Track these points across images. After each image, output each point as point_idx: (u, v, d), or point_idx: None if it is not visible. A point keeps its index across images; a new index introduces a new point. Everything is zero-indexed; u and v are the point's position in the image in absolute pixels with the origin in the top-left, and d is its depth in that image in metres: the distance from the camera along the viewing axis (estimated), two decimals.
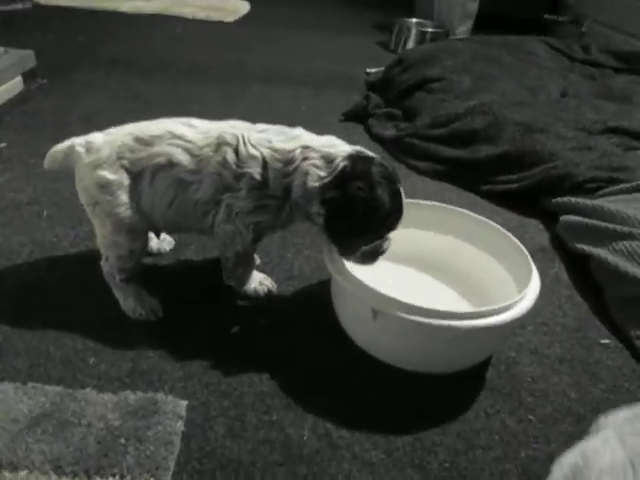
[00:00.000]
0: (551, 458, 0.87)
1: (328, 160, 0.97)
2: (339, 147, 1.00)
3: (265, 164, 0.98)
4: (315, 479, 0.81)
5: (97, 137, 1.02)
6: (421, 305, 0.88)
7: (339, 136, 1.04)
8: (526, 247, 1.07)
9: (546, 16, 3.64)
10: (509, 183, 1.60)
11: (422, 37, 2.98)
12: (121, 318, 1.07)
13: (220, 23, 3.28)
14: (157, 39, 2.87)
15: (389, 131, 1.88)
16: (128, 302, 1.07)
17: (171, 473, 0.79)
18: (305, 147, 0.98)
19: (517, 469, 0.86)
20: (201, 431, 0.87)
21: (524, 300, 0.94)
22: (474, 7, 3.34)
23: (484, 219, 1.17)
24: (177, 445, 0.83)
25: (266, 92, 2.27)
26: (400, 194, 0.98)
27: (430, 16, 3.25)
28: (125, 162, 0.99)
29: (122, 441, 0.82)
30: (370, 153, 1.00)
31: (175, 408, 0.88)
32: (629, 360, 1.10)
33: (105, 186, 0.99)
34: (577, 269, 1.34)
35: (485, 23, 3.37)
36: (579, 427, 0.94)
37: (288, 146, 0.99)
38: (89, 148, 1.01)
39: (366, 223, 0.96)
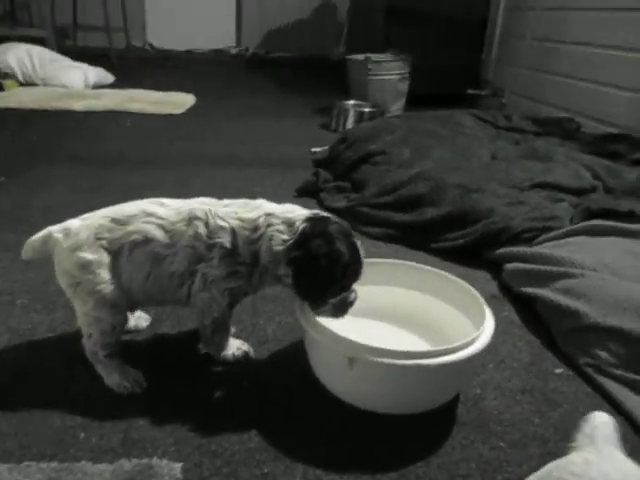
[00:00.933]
0: (523, 478, 0.96)
1: (289, 224, 1.07)
2: (298, 211, 1.11)
3: (234, 233, 1.07)
4: None
5: (74, 222, 1.10)
6: (394, 349, 0.97)
7: None
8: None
9: (469, 91, 4.00)
10: (455, 240, 1.75)
11: (360, 117, 3.23)
12: (105, 393, 1.10)
13: (169, 115, 3.45)
14: (110, 134, 3.00)
15: (340, 202, 2.02)
16: (112, 377, 1.11)
17: None
18: (268, 214, 1.09)
19: None
20: None
21: (482, 336, 1.04)
22: (404, 87, 3.66)
23: (442, 272, 1.29)
24: None
25: (219, 175, 2.39)
26: (356, 246, 1.09)
27: (365, 98, 3.52)
28: (104, 242, 1.07)
29: None
30: (325, 214, 1.12)
31: (171, 471, 0.92)
32: (582, 385, 1.20)
33: (86, 266, 1.06)
34: (525, 310, 1.46)
35: (415, 100, 3.69)
36: (545, 449, 1.03)
37: (252, 215, 1.09)
38: (67, 233, 1.08)
39: (330, 275, 1.05)
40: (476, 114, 2.83)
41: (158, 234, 1.07)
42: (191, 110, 3.67)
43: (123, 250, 1.07)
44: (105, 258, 1.06)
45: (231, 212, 1.10)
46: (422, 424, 1.06)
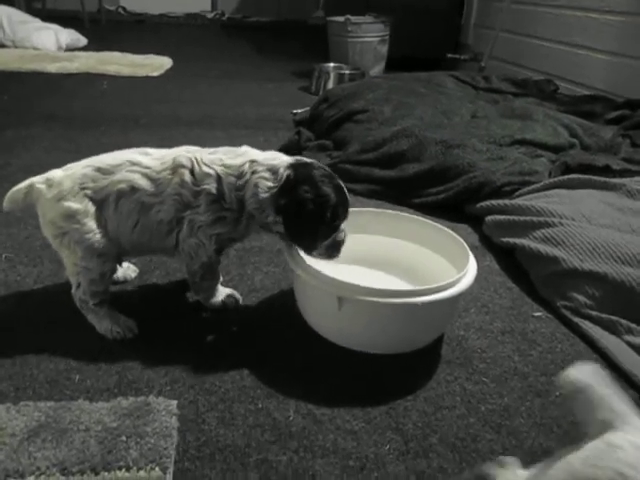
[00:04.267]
0: (506, 409, 1.01)
1: (273, 171, 1.08)
2: (281, 158, 1.12)
3: (219, 179, 1.08)
4: (306, 451, 0.90)
5: (56, 173, 1.09)
6: (381, 288, 1.00)
7: None
8: None
9: (449, 55, 4.00)
10: (437, 194, 1.78)
11: (340, 79, 3.21)
12: (98, 339, 1.11)
13: (146, 78, 3.39)
14: (87, 95, 2.94)
15: (323, 160, 2.03)
16: (104, 324, 1.12)
17: (173, 461, 0.85)
18: (252, 161, 1.09)
19: (479, 421, 0.98)
20: (194, 424, 0.93)
21: (466, 277, 1.08)
22: (384, 50, 3.65)
23: (427, 220, 1.32)
24: (175, 437, 0.89)
25: (201, 135, 2.38)
26: (341, 187, 1.11)
27: (345, 60, 3.51)
28: (88, 191, 1.06)
29: (123, 438, 0.87)
30: (307, 159, 1.13)
31: (167, 407, 0.94)
32: (559, 327, 1.26)
33: (72, 216, 1.06)
34: (505, 260, 1.51)
35: (396, 64, 3.68)
36: (525, 383, 1.08)
37: (237, 161, 1.10)
38: (50, 184, 1.07)
39: (319, 218, 1.08)
40: (456, 75, 2.84)
41: (144, 183, 1.07)
42: (169, 73, 3.61)
43: (109, 199, 1.07)
44: (90, 207, 1.06)
45: (216, 159, 1.10)
46: (409, 363, 1.10)
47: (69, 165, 1.11)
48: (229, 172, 1.09)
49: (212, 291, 1.20)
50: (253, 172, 1.08)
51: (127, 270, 1.30)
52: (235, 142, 2.28)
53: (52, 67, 3.39)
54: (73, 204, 1.06)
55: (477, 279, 1.39)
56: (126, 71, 3.44)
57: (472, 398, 1.03)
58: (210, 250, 1.12)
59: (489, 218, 1.61)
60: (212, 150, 1.14)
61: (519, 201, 1.60)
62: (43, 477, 0.81)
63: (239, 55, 4.48)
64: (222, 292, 1.23)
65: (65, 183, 1.06)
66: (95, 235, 1.07)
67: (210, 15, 6.40)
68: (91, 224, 1.06)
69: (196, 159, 1.09)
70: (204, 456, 0.88)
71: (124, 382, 1.01)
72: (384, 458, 0.89)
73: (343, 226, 1.13)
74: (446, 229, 1.26)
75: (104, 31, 5.19)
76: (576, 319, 1.26)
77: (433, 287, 1.02)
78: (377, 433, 0.94)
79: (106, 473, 0.82)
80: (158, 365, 1.06)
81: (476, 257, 1.49)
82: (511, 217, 1.54)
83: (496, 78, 2.87)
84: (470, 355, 1.15)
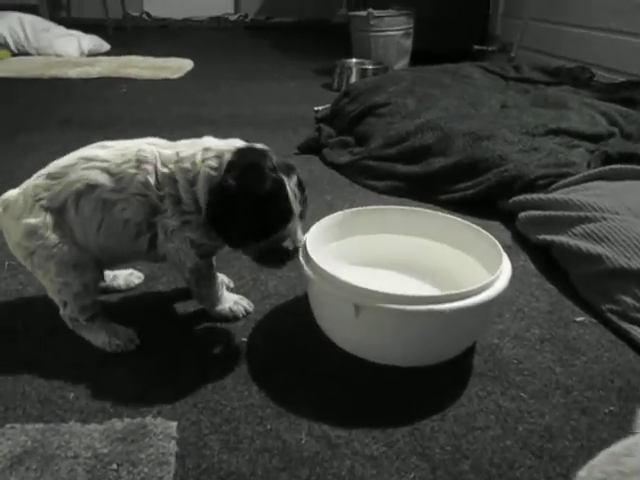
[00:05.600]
0: (548, 429, 0.89)
1: (219, 157, 0.95)
2: (234, 144, 0.99)
3: (174, 180, 0.97)
4: (318, 478, 0.79)
5: (11, 193, 1.01)
6: (402, 294, 0.89)
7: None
8: None
9: (476, 47, 3.85)
10: (465, 190, 1.65)
11: (363, 74, 3.10)
12: (98, 352, 1.03)
13: (166, 80, 3.34)
14: (106, 99, 2.90)
15: (344, 157, 1.93)
16: (100, 337, 1.03)
17: None
18: (205, 149, 0.97)
19: (517, 443, 0.86)
20: (195, 449, 0.84)
21: (498, 281, 0.96)
22: (408, 44, 3.52)
23: (454, 217, 1.20)
24: (172, 464, 0.80)
25: (220, 135, 2.29)
26: (283, 183, 0.93)
27: (368, 55, 3.39)
28: (44, 202, 0.96)
29: (114, 467, 0.78)
30: (263, 147, 1.00)
31: (166, 429, 0.85)
32: (605, 332, 1.12)
33: (33, 232, 0.96)
34: (541, 259, 1.38)
35: (421, 58, 3.55)
36: (569, 398, 0.95)
37: (191, 151, 0.98)
38: (6, 205, 0.99)
39: (243, 212, 0.92)
40: (484, 66, 2.71)
41: (102, 178, 0.96)
42: (189, 75, 3.56)
43: (67, 204, 0.96)
44: (49, 218, 0.96)
45: (172, 154, 0.98)
46: (435, 376, 0.99)
47: (25, 181, 1.02)
48: (182, 167, 0.96)
49: (215, 298, 1.10)
50: (203, 161, 0.96)
51: (130, 277, 1.22)
52: (254, 141, 2.22)
53: (73, 72, 3.37)
54: (31, 220, 0.96)
55: (511, 281, 1.28)
56: (146, 74, 3.40)
57: (508, 417, 0.91)
58: (191, 255, 1.01)
59: (523, 214, 1.48)
60: (172, 144, 1.02)
61: (556, 195, 1.47)
62: None
63: (261, 56, 4.41)
64: (229, 299, 1.13)
65: (19, 200, 0.98)
66: (62, 247, 0.96)
67: (233, 17, 6.36)
68: (54, 236, 0.96)
69: (159, 155, 0.98)
70: None
71: (121, 401, 0.92)
72: None
73: (293, 233, 0.97)
74: (476, 227, 1.14)
75: (127, 36, 5.19)
76: (624, 324, 1.12)
77: (462, 292, 0.91)
78: (400, 459, 0.83)
79: None
80: (159, 381, 0.97)
81: (510, 257, 1.37)
82: (547, 212, 1.41)
83: (527, 67, 2.72)
84: (505, 367, 1.03)
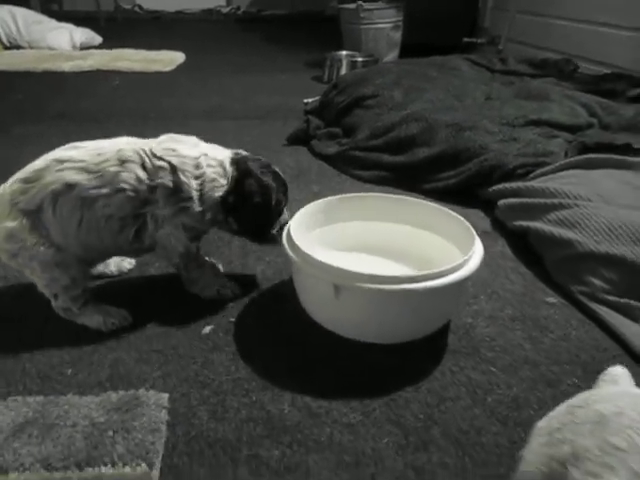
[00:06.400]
0: (515, 399, 0.96)
1: (223, 167, 1.09)
2: (223, 153, 1.12)
3: (174, 170, 1.04)
4: (300, 445, 0.86)
5: None
6: (379, 274, 0.95)
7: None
8: None
9: (465, 39, 3.89)
10: (448, 179, 1.72)
11: (353, 66, 3.15)
12: (94, 333, 1.09)
13: (158, 73, 3.38)
14: (98, 92, 2.94)
15: (331, 148, 1.99)
16: (95, 319, 1.09)
17: (161, 457, 0.82)
18: (205, 154, 1.08)
19: (485, 412, 0.93)
20: (185, 418, 0.90)
21: (470, 261, 1.02)
22: (398, 36, 3.57)
23: (430, 203, 1.26)
24: (163, 432, 0.86)
25: (209, 127, 2.34)
26: (278, 173, 1.16)
27: (358, 48, 3.44)
28: (21, 205, 1.00)
29: (109, 434, 0.84)
30: (243, 152, 1.15)
31: (158, 400, 0.91)
32: (574, 312, 1.19)
33: (12, 235, 1.01)
34: (518, 244, 1.44)
35: (410, 50, 3.59)
36: (536, 372, 1.02)
37: (193, 153, 1.07)
38: None
39: (266, 208, 1.12)
40: (471, 59, 2.76)
41: (80, 178, 1.01)
42: (181, 67, 3.60)
43: (44, 205, 1.00)
44: (25, 221, 1.00)
45: (168, 149, 1.06)
46: (412, 352, 1.05)
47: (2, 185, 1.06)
48: (185, 161, 1.05)
49: (204, 282, 1.17)
50: (208, 166, 1.07)
51: (121, 262, 1.28)
52: (244, 132, 2.29)
53: (66, 66, 3.40)
54: (9, 223, 1.00)
55: (488, 265, 1.35)
56: (138, 67, 3.44)
57: (478, 389, 0.98)
58: (183, 239, 1.09)
59: (502, 202, 1.54)
60: (159, 140, 1.09)
61: (533, 183, 1.53)
62: (27, 473, 0.79)
63: (252, 48, 4.44)
64: (218, 283, 1.19)
65: None
66: (40, 247, 1.01)
67: (225, 10, 6.38)
68: (31, 238, 1.01)
69: (145, 152, 1.04)
70: (193, 451, 0.84)
71: (116, 375, 0.98)
72: (381, 452, 0.85)
73: (285, 209, 1.19)
74: (451, 212, 1.20)
75: (120, 29, 5.21)
76: (592, 304, 1.19)
77: (435, 272, 0.97)
78: (375, 426, 0.89)
79: (90, 469, 0.79)
80: (152, 358, 1.03)
81: (488, 242, 1.45)
82: (524, 200, 1.48)
83: (513, 60, 2.78)
84: (478, 344, 1.09)
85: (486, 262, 1.34)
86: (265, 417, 0.90)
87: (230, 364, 1.02)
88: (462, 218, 1.17)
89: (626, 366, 0.72)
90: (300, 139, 2.15)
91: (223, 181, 1.08)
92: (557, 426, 0.61)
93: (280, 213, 1.17)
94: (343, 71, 3.15)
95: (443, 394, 0.96)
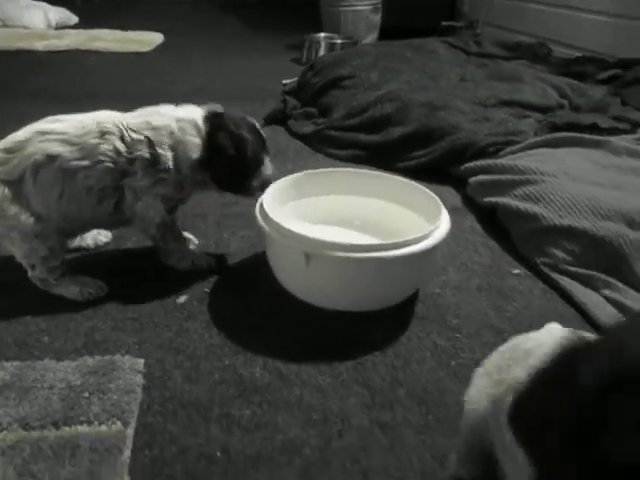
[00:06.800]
0: (477, 362, 0.98)
1: (196, 128, 1.10)
2: (196, 112, 1.13)
3: (151, 143, 1.07)
4: (270, 405, 0.89)
5: None
6: (348, 242, 0.99)
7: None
8: None
9: (444, 23, 3.92)
10: (420, 158, 1.75)
11: (332, 48, 3.16)
12: (70, 302, 1.11)
13: (136, 54, 3.36)
14: (75, 72, 2.91)
15: (308, 128, 2.01)
16: (72, 290, 1.11)
17: (136, 416, 0.85)
18: (178, 120, 1.10)
19: (449, 375, 0.97)
20: (160, 381, 0.93)
21: (437, 231, 1.06)
22: (377, 19, 3.58)
23: (399, 177, 1.30)
24: (139, 394, 0.89)
25: None
26: (253, 125, 1.16)
27: (337, 31, 3.45)
28: (1, 175, 1.02)
29: (86, 395, 0.87)
30: (216, 107, 1.16)
31: (133, 365, 0.94)
32: (538, 283, 1.24)
33: None
34: (487, 219, 1.49)
35: (389, 34, 3.61)
36: (499, 337, 1.06)
37: (165, 122, 1.09)
38: None
39: (241, 160, 1.12)
40: (448, 41, 2.79)
41: (62, 149, 1.03)
42: (159, 48, 3.57)
43: (25, 176, 1.02)
44: (7, 191, 1.02)
45: (143, 123, 1.09)
46: (380, 320, 1.09)
47: None
48: (160, 133, 1.08)
49: (180, 254, 1.19)
50: (181, 131, 1.09)
51: (98, 236, 1.29)
52: None
53: (40, 45, 3.36)
54: None
55: (457, 239, 1.39)
56: (115, 47, 3.41)
57: (443, 353, 1.02)
58: (160, 210, 1.11)
59: (472, 179, 1.59)
60: (134, 114, 1.12)
61: (502, 161, 1.57)
62: (4, 432, 0.81)
63: (232, 30, 4.42)
64: (194, 255, 1.22)
65: None
66: (20, 217, 1.03)
67: None
68: (12, 208, 1.02)
69: (123, 125, 1.07)
70: (167, 411, 0.87)
71: (92, 343, 1.01)
72: (348, 411, 0.89)
73: (268, 162, 1.19)
74: (419, 186, 1.24)
75: (96, 9, 5.13)
76: (554, 275, 1.24)
77: (402, 241, 1.01)
78: (343, 387, 0.93)
79: (67, 428, 0.82)
80: (128, 327, 1.05)
81: (458, 218, 1.50)
82: (494, 177, 1.52)
83: (488, 43, 2.82)
84: (445, 312, 1.13)
85: (456, 236, 1.40)
86: (237, 380, 0.94)
87: (204, 331, 1.05)
88: (430, 192, 1.21)
89: None
90: (277, 119, 2.16)
91: (197, 141, 1.09)
92: (494, 369, 0.67)
93: (259, 164, 1.16)
94: (322, 53, 3.17)
95: (409, 358, 1.00)
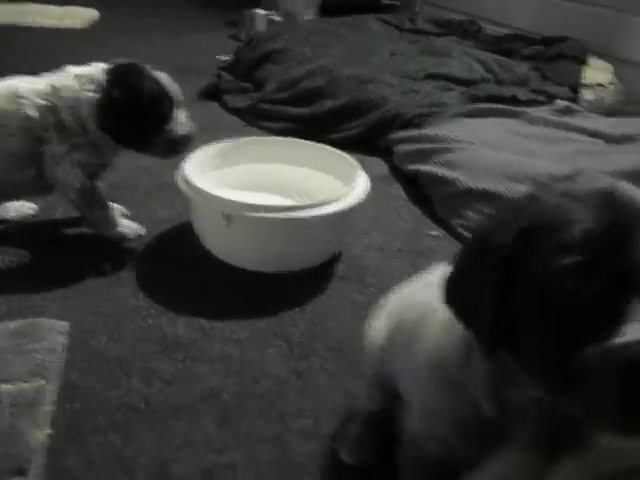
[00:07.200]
0: None
1: (95, 82, 1.08)
2: (98, 67, 1.11)
3: (56, 109, 1.08)
4: (192, 359, 0.93)
5: None
6: (266, 204, 1.03)
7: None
8: (369, 176, 1.24)
9: (384, 1, 3.96)
10: (351, 129, 1.80)
11: (270, 24, 3.16)
12: None
13: (70, 30, 3.27)
14: (8, 48, 2.82)
15: (242, 102, 2.03)
16: None
17: (59, 374, 0.88)
18: (76, 76, 1.10)
19: (363, 326, 1.03)
20: (84, 342, 0.95)
21: (353, 193, 1.11)
22: None
23: (320, 144, 1.35)
24: (63, 353, 0.91)
25: None
26: (157, 79, 1.11)
27: (275, 7, 3.44)
28: None
29: (9, 356, 0.89)
30: (127, 61, 1.13)
31: (57, 327, 0.96)
32: (454, 243, 1.32)
33: None
34: (411, 187, 1.56)
35: (330, 10, 3.63)
36: None
37: (67, 82, 1.09)
38: None
39: (136, 110, 1.06)
40: (383, 18, 2.84)
41: None
42: (95, 25, 3.48)
43: None
44: None
45: (47, 87, 1.09)
46: (301, 279, 1.14)
47: None
48: (62, 96, 1.08)
49: (106, 220, 1.20)
50: (81, 88, 1.08)
51: (21, 207, 1.28)
52: None
53: None
54: None
55: (382, 205, 1.45)
56: (47, 22, 3.31)
57: (360, 308, 1.08)
58: (79, 175, 1.12)
59: (398, 148, 1.65)
60: (43, 79, 1.12)
61: (426, 130, 1.64)
62: None
63: (171, 7, 4.34)
64: (122, 223, 1.23)
65: None
66: None
67: None
68: None
69: (34, 91, 1.08)
70: (91, 368, 0.90)
71: (16, 309, 1.02)
72: (266, 361, 0.94)
73: (181, 119, 1.14)
74: (340, 152, 1.29)
75: None
76: (468, 234, 1.32)
77: (318, 202, 1.06)
78: (262, 341, 0.98)
79: None
80: (54, 294, 1.07)
81: (385, 186, 1.57)
82: (417, 146, 1.59)
83: (421, 20, 2.88)
84: (364, 272, 1.19)
85: (381, 203, 1.47)
86: (161, 337, 0.97)
87: (130, 296, 1.07)
88: (350, 157, 1.26)
89: None
90: (212, 94, 2.17)
91: (94, 95, 1.07)
92: (391, 306, 0.77)
93: (162, 119, 1.11)
94: (260, 29, 3.16)
95: (327, 314, 1.06)
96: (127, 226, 1.23)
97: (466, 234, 1.31)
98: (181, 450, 0.78)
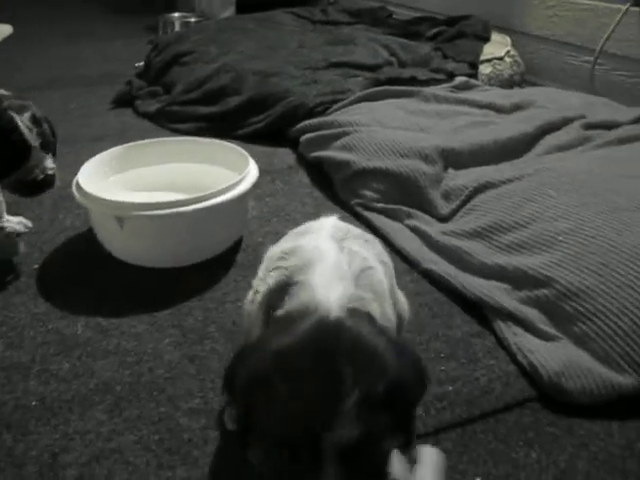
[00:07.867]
0: None
1: None
2: None
3: None
4: (89, 356, 0.97)
5: None
6: (154, 201, 1.07)
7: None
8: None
9: None
10: (257, 123, 1.85)
11: (186, 27, 3.17)
12: None
13: None
14: None
15: (152, 106, 2.05)
16: None
17: None
18: None
19: None
20: None
21: (240, 185, 1.16)
22: None
23: (219, 141, 1.40)
24: None
25: (34, 98, 2.31)
26: (12, 120, 1.08)
27: (191, 8, 3.46)
28: None
29: None
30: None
31: None
32: (353, 222, 1.33)
33: None
34: (316, 174, 1.62)
35: (247, 8, 3.65)
36: None
37: None
38: None
39: None
40: (295, 12, 2.90)
41: None
42: (8, 40, 3.43)
43: None
44: None
45: None
46: (201, 270, 1.19)
47: None
48: None
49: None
50: None
51: None
52: (69, 100, 2.29)
53: None
54: None
55: (286, 193, 1.51)
56: None
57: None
58: None
59: (302, 137, 1.71)
60: None
61: (326, 118, 1.71)
62: None
63: (89, 16, 4.29)
64: (11, 220, 1.22)
65: None
66: None
67: None
68: None
69: None
70: None
71: None
72: (161, 350, 0.98)
73: (39, 163, 1.13)
74: (231, 145, 1.34)
75: None
76: (366, 213, 1.39)
77: (206, 194, 1.10)
78: (158, 331, 1.03)
79: None
80: None
81: (290, 175, 1.63)
82: (319, 133, 1.65)
83: (333, 10, 2.95)
84: (262, 257, 1.25)
85: (286, 191, 1.53)
86: (59, 339, 1.01)
87: (30, 303, 1.10)
88: (241, 150, 1.31)
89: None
90: (125, 101, 2.19)
91: None
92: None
93: (26, 157, 1.09)
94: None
95: (224, 299, 1.11)
96: (10, 221, 1.19)
97: (365, 213, 1.38)
98: (73, 440, 0.82)
